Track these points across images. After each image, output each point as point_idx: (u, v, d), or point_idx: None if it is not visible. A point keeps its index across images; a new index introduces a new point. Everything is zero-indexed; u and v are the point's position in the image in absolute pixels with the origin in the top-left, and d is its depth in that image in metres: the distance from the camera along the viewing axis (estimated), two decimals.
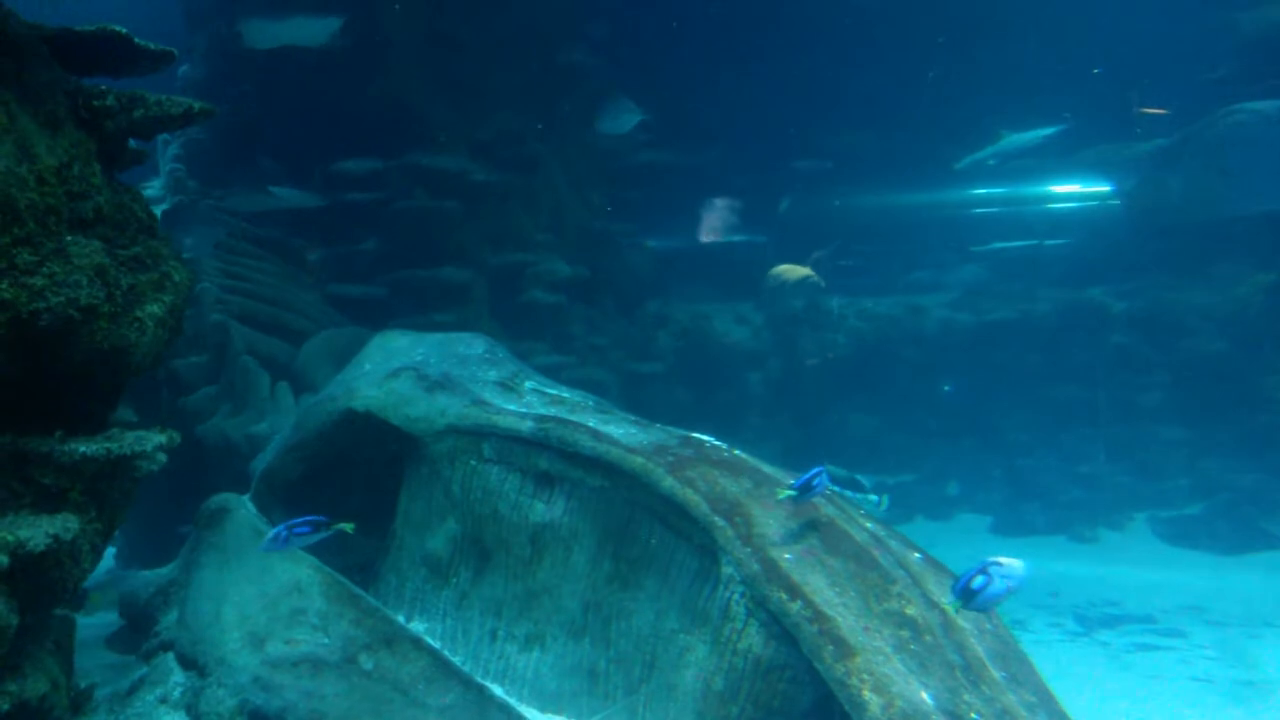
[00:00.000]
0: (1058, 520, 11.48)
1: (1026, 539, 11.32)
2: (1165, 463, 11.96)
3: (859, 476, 6.85)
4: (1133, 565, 10.18)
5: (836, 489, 5.30)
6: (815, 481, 4.40)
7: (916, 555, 4.71)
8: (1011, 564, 3.90)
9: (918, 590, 4.42)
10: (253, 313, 8.00)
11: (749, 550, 4.46)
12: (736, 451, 5.22)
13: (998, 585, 3.85)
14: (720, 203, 14.29)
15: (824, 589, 4.30)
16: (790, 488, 4.49)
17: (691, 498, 4.71)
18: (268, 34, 9.41)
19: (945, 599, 4.35)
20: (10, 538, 3.80)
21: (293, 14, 9.17)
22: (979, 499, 12.21)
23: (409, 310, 9.44)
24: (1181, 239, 12.41)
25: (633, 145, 12.31)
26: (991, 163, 11.92)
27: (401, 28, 10.05)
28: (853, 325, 13.09)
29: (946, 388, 12.79)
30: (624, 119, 9.51)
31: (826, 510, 4.72)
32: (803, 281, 11.68)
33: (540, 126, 10.86)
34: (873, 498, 6.50)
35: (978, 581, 3.87)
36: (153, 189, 9.14)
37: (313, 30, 9.35)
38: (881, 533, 4.78)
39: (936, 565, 4.71)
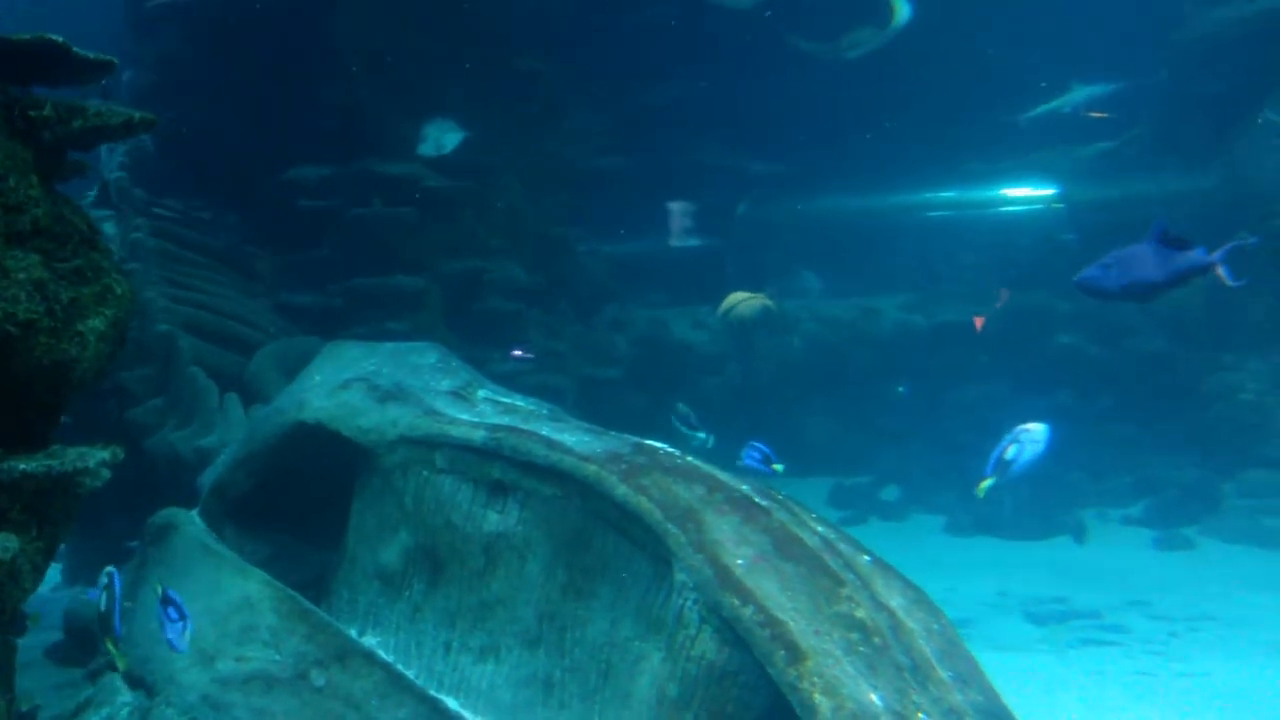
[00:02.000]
0: (1009, 518, 11.68)
1: (979, 538, 11.51)
2: (1111, 461, 12.24)
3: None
4: (1080, 562, 10.41)
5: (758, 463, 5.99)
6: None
7: (866, 558, 4.78)
8: (1036, 429, 3.99)
9: (866, 593, 4.48)
10: (201, 323, 7.88)
11: (702, 557, 4.49)
12: (690, 458, 5.24)
13: (1030, 452, 3.93)
14: (676, 207, 14.35)
15: (776, 594, 4.34)
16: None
17: (645, 505, 4.72)
18: None
19: (893, 601, 4.42)
20: None
21: None
22: (932, 499, 12.38)
23: (362, 319, 9.36)
24: (1122, 241, 12.69)
25: (587, 151, 12.33)
26: (1066, 110, 12.03)
27: (353, 34, 9.97)
28: (808, 329, 13.22)
29: (900, 389, 12.96)
30: (447, 138, 9.41)
31: (779, 515, 4.76)
32: (759, 311, 11.74)
33: (493, 133, 10.82)
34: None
35: (1011, 452, 3.94)
36: (93, 197, 8.98)
37: None
38: (832, 536, 4.84)
39: (885, 567, 4.77)
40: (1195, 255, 4.30)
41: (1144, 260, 4.56)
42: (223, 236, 9.38)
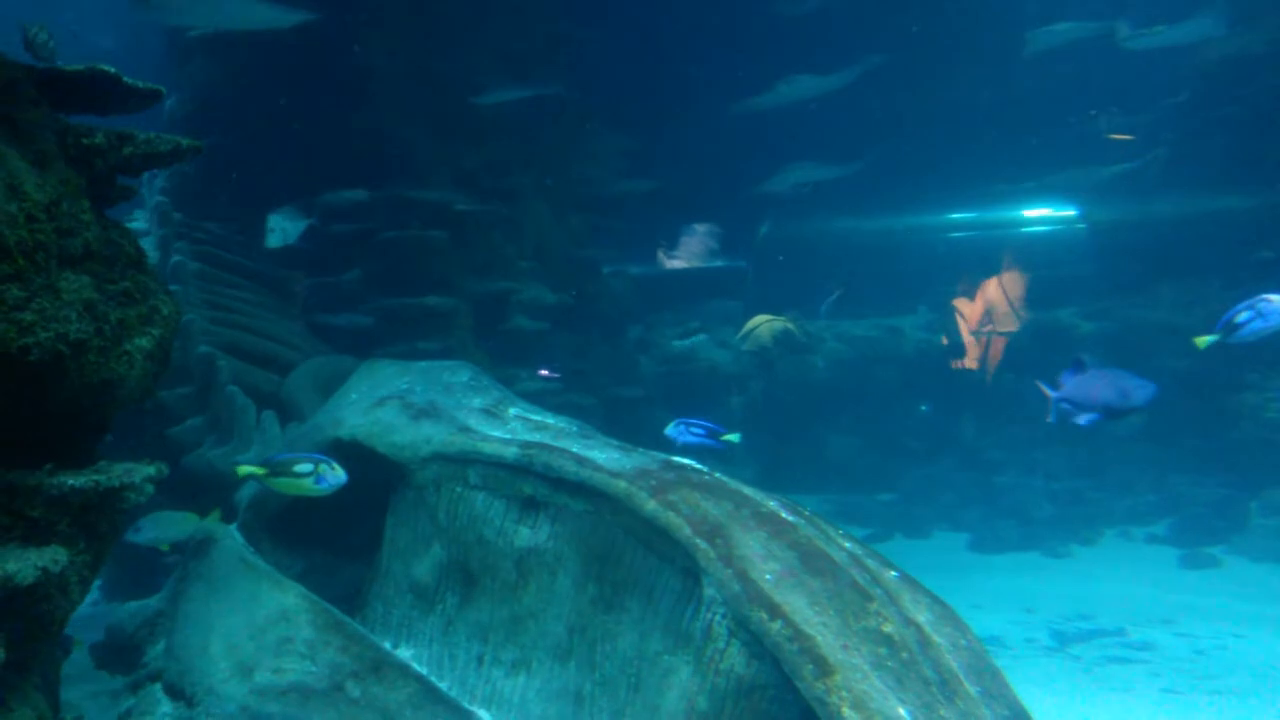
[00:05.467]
0: (1032, 536, 11.67)
1: (1002, 555, 11.49)
2: (1135, 479, 12.20)
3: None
4: (1105, 580, 10.37)
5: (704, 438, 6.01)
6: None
7: (893, 573, 4.83)
8: (1276, 299, 3.93)
9: (894, 608, 4.53)
10: (239, 343, 8.05)
11: (730, 571, 4.56)
12: (717, 475, 5.32)
13: (1263, 322, 3.90)
14: (701, 229, 14.49)
15: (804, 608, 4.40)
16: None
17: (674, 521, 4.81)
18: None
19: (920, 616, 4.47)
20: None
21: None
22: (956, 517, 12.38)
23: (394, 339, 9.52)
24: (1144, 261, 12.73)
25: (613, 174, 12.49)
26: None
27: (383, 61, 10.20)
28: (831, 348, 13.29)
29: (924, 408, 12.99)
30: (292, 227, 9.49)
31: (806, 530, 4.84)
32: (780, 333, 11.81)
33: (521, 156, 11.01)
34: (732, 436, 6.76)
35: (1243, 316, 3.92)
36: (139, 222, 9.21)
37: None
38: (859, 551, 4.90)
39: (912, 582, 4.83)
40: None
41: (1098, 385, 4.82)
42: (259, 259, 9.59)
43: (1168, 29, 11.40)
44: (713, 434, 6.58)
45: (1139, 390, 4.67)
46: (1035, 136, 13.22)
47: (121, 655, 6.12)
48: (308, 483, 5.22)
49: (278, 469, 5.27)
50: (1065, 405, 4.43)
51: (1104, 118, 13.07)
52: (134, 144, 4.45)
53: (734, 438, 6.55)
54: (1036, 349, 12.85)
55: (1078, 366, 4.35)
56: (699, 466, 5.38)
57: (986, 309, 13.18)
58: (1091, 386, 4.51)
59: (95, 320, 4.17)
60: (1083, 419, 4.20)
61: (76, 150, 4.35)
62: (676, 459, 5.44)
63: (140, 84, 4.58)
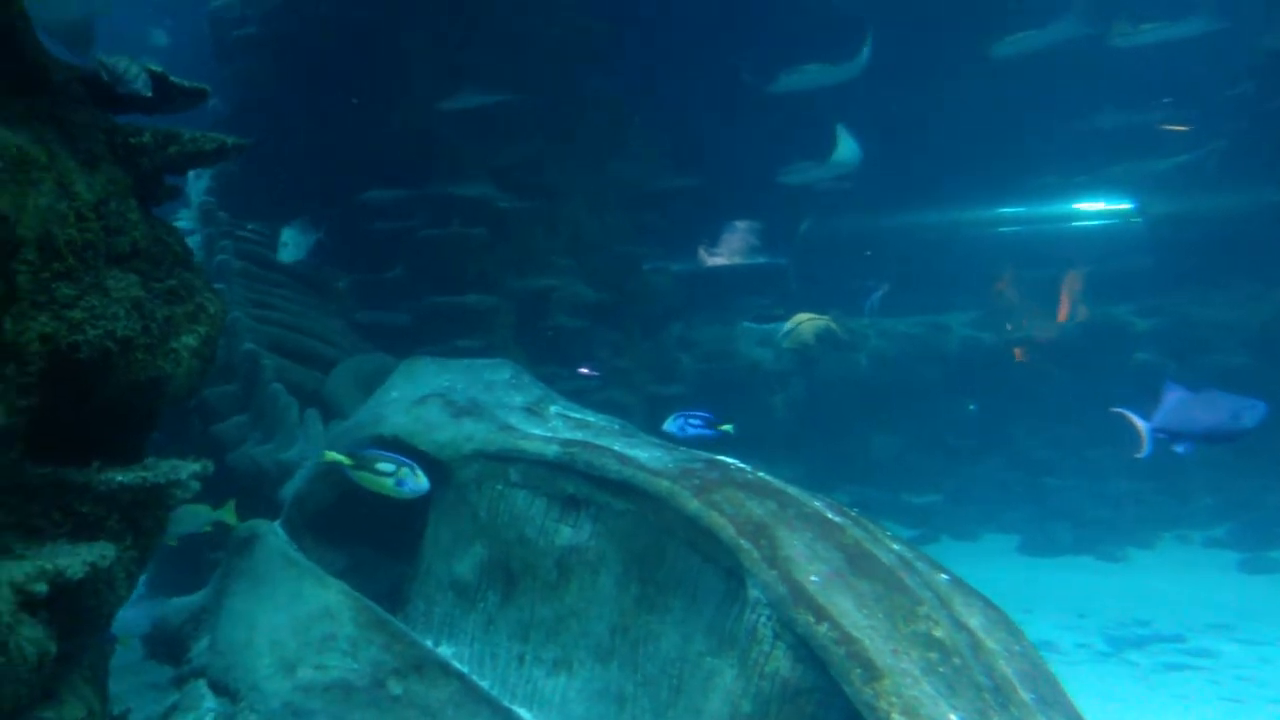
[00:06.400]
0: (1085, 539, 11.39)
1: (1054, 558, 11.23)
2: (1192, 481, 11.85)
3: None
4: (1161, 584, 10.09)
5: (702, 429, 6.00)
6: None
7: (943, 576, 4.71)
8: None
9: (945, 612, 4.41)
10: (282, 341, 8.12)
11: (775, 573, 4.47)
12: (761, 474, 5.24)
13: None
14: (742, 225, 14.36)
15: (851, 611, 4.30)
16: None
17: (718, 520, 4.74)
18: None
19: (973, 621, 4.35)
20: (50, 566, 3.88)
21: None
22: (1005, 518, 12.13)
23: (434, 336, 9.54)
24: (1204, 256, 12.37)
25: (654, 170, 12.42)
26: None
27: (423, 60, 10.23)
28: (874, 345, 13.09)
29: (971, 407, 12.75)
30: (305, 241, 9.43)
31: (853, 532, 4.73)
32: (822, 330, 11.63)
33: (561, 153, 10.99)
34: (727, 427, 6.71)
35: None
36: (184, 220, 9.33)
37: None
38: (908, 554, 4.78)
39: (963, 586, 4.70)
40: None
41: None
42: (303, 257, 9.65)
43: (1167, 25, 11.20)
44: (710, 424, 6.59)
45: (1249, 411, 4.35)
46: (1085, 125, 12.90)
47: (168, 650, 6.18)
48: (389, 483, 5.26)
49: (363, 463, 5.31)
50: (1163, 435, 4.06)
51: (1160, 109, 12.71)
52: (180, 143, 4.47)
53: (729, 428, 6.55)
54: (1090, 345, 12.54)
55: (1169, 390, 4.04)
56: (743, 465, 5.30)
57: (1037, 304, 12.89)
58: (1192, 411, 4.16)
59: (143, 318, 4.19)
60: (1181, 447, 3.89)
61: (124, 150, 4.38)
62: (721, 457, 5.36)
63: (186, 83, 4.60)
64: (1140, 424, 4.07)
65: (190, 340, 4.43)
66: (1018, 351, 12.54)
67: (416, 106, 10.18)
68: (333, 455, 5.42)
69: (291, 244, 8.44)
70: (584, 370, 10.60)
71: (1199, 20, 11.12)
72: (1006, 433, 12.61)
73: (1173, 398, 3.79)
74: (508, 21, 10.47)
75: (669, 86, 12.71)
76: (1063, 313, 12.37)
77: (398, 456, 5.38)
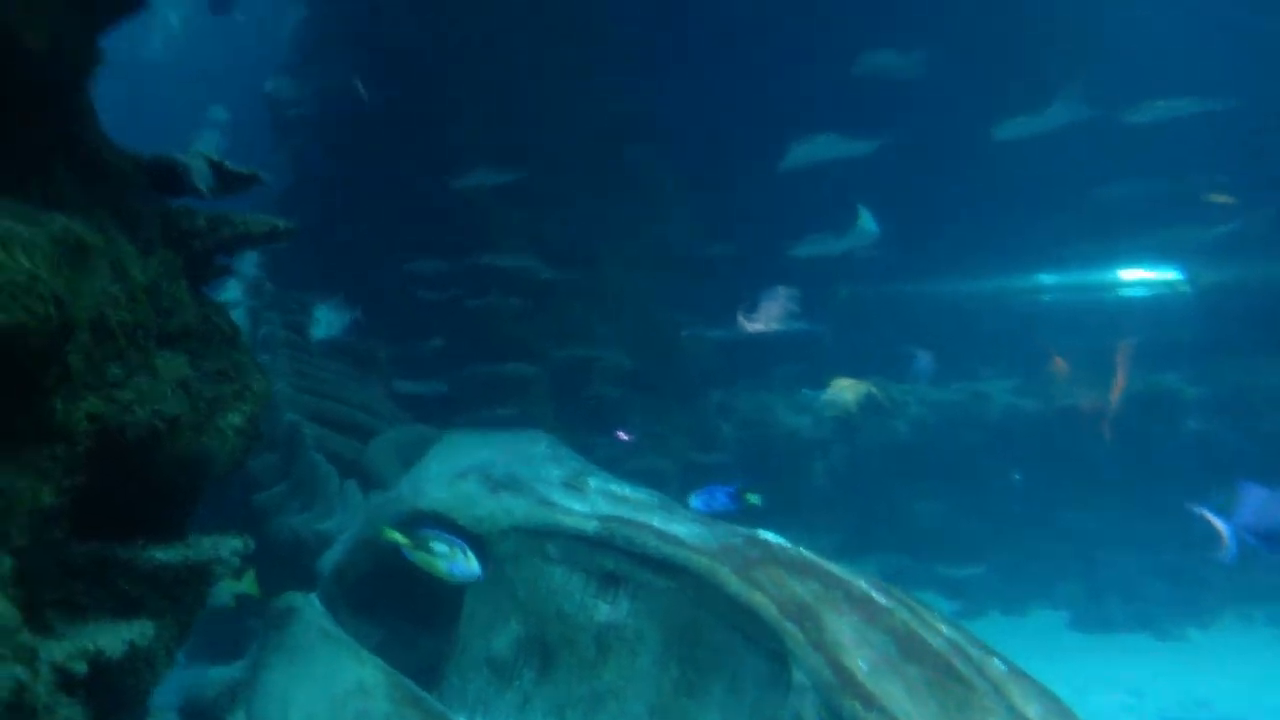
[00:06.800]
0: (1140, 616, 10.99)
1: (1107, 635, 10.84)
2: (1254, 555, 11.42)
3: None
4: (1222, 664, 9.68)
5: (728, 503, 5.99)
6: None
7: (997, 662, 4.55)
8: None
9: (1000, 699, 4.26)
10: (323, 411, 8.20)
11: (821, 657, 4.36)
12: (803, 550, 5.14)
13: None
14: (781, 291, 14.33)
15: (901, 698, 4.17)
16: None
17: (760, 600, 4.65)
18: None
19: (1030, 710, 4.18)
20: (90, 646, 3.88)
21: None
22: (1054, 592, 11.76)
23: (473, 405, 9.60)
24: (1253, 324, 12.13)
25: (690, 238, 12.51)
26: None
27: (471, 135, 10.47)
28: (915, 412, 12.91)
29: (1017, 476, 12.47)
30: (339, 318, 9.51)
31: (901, 614, 4.61)
32: (863, 397, 11.49)
33: (602, 220, 11.12)
34: (754, 498, 6.53)
35: None
36: (233, 290, 9.54)
37: None
38: (960, 638, 4.64)
39: (1019, 672, 4.53)
40: None
41: None
42: (344, 330, 9.82)
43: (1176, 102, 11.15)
44: (738, 495, 6.49)
45: None
46: (1119, 193, 12.79)
47: None
48: (441, 564, 5.29)
49: (419, 543, 5.34)
50: (1247, 536, 3.82)
51: (1202, 177, 12.57)
52: (232, 225, 4.59)
53: (756, 499, 6.46)
54: (1139, 413, 12.25)
55: (1246, 488, 3.83)
56: (785, 543, 5.20)
57: (1085, 373, 12.64)
58: (1273, 510, 3.92)
59: (190, 397, 4.26)
60: (1270, 549, 3.67)
61: (177, 233, 4.51)
62: (762, 533, 5.28)
63: (242, 170, 4.75)
64: (1221, 525, 3.85)
65: (235, 419, 4.48)
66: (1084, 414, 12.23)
67: (461, 178, 10.38)
68: (391, 534, 5.46)
69: (325, 322, 8.64)
70: (621, 434, 10.57)
71: (1206, 100, 11.06)
72: (1053, 503, 12.29)
73: (1252, 496, 3.60)
74: (555, 105, 10.71)
75: (707, 157, 12.85)
76: (1117, 388, 12.10)
77: (451, 538, 5.38)
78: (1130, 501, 11.88)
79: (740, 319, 14.79)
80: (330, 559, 6.67)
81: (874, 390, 11.63)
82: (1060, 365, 12.78)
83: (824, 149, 11.34)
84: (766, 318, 14.66)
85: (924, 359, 12.78)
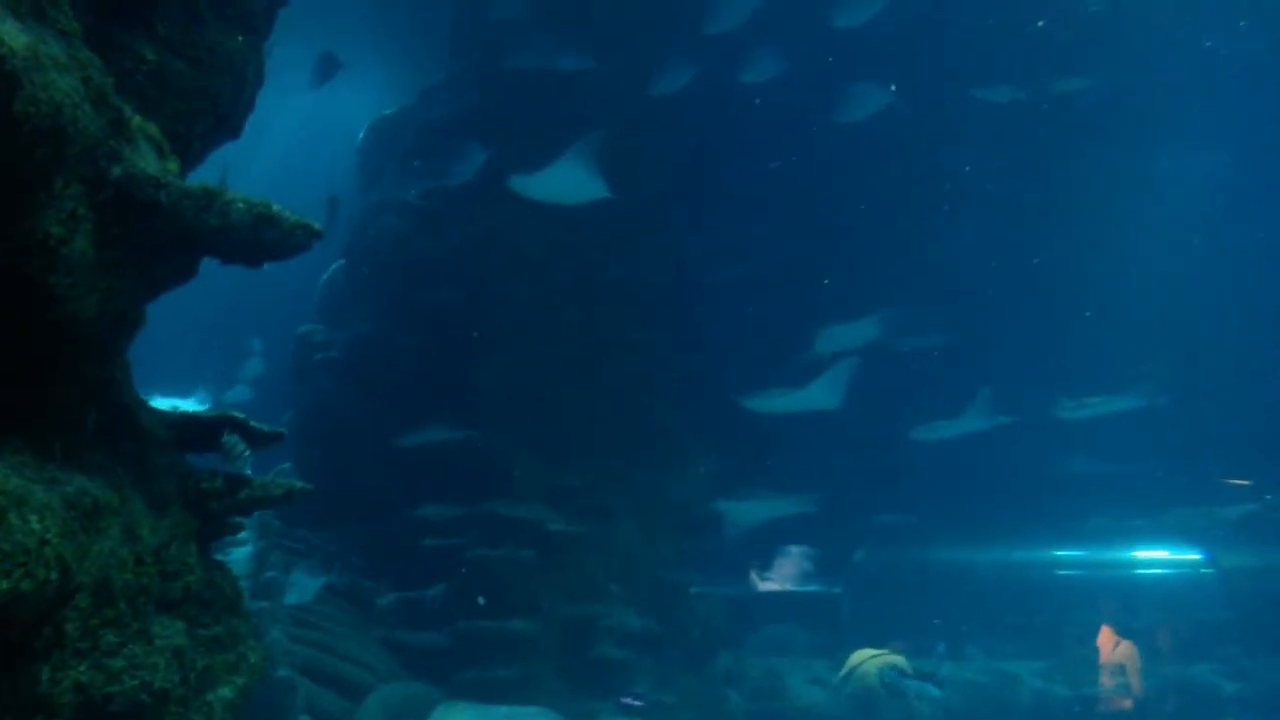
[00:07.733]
0: None
1: None
2: None
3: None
4: None
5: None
6: None
7: None
8: None
9: None
10: (315, 664, 7.88)
11: None
12: None
13: None
14: (795, 550, 14.04)
15: None
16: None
17: None
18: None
19: None
20: None
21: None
22: None
23: (471, 662, 9.19)
24: None
25: (705, 493, 12.41)
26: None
27: (491, 389, 10.70)
28: (939, 696, 12.19)
29: None
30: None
31: None
32: (884, 670, 10.80)
33: (617, 477, 11.09)
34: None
35: None
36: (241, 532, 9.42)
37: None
38: None
39: None
40: None
41: None
42: (345, 573, 9.60)
43: (1104, 400, 11.42)
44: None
45: None
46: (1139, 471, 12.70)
47: None
48: None
49: None
50: None
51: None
52: (250, 488, 4.57)
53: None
54: (1174, 706, 11.53)
55: None
56: None
57: (1114, 658, 11.95)
58: None
59: (182, 668, 4.08)
60: None
61: (195, 494, 4.48)
62: None
63: (266, 428, 4.80)
64: None
65: (226, 692, 4.26)
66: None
67: (481, 428, 10.49)
68: None
69: (299, 586, 8.57)
70: (627, 700, 9.99)
71: (1133, 397, 11.28)
72: None
73: None
74: (577, 360, 11.00)
75: (722, 411, 12.98)
76: (1134, 683, 11.40)
77: None
78: None
79: (753, 575, 14.41)
80: None
81: (901, 663, 10.79)
82: (1096, 645, 12.14)
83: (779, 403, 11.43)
84: (780, 576, 14.29)
85: (944, 649, 12.23)
